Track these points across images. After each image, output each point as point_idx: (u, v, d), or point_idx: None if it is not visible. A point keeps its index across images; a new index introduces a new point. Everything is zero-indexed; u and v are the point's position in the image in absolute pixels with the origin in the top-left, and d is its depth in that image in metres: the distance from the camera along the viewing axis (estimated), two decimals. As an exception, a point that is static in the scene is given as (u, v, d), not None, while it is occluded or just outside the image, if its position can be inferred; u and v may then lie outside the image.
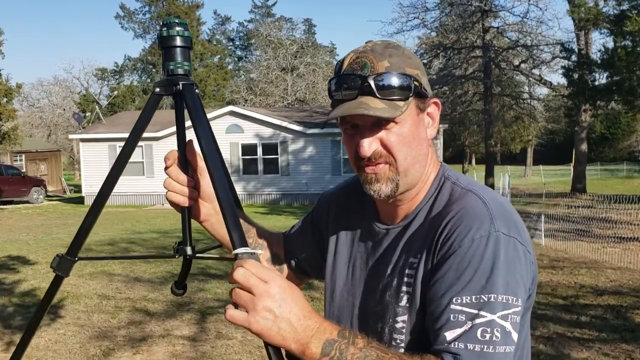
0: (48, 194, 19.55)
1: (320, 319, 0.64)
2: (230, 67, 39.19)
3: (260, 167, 16.32)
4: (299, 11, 69.94)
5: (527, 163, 29.80)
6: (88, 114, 24.41)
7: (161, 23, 0.81)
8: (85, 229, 0.89)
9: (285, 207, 15.27)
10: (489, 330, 0.62)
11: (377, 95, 0.67)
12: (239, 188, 16.51)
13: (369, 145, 0.69)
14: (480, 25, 13.08)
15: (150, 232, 9.63)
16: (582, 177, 17.34)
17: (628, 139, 35.69)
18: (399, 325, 0.70)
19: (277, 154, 16.18)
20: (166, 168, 0.82)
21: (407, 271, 0.71)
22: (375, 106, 0.67)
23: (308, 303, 0.64)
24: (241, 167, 16.38)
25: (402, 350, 0.70)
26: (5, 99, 17.46)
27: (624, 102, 11.94)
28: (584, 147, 17.36)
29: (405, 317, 0.70)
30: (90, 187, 17.03)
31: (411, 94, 0.68)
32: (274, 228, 1.08)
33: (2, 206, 16.32)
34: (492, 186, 13.08)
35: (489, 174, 13.00)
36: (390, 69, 0.68)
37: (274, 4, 40.67)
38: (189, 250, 0.81)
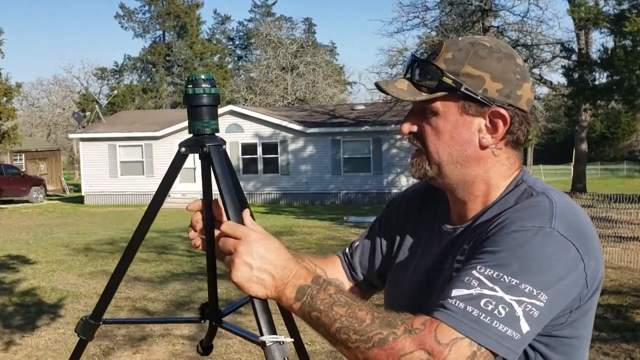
0: (48, 193, 19.55)
1: (297, 266, 0.67)
2: (230, 66, 39.18)
3: (260, 166, 16.31)
4: (299, 10, 70.06)
5: (527, 163, 29.84)
6: (88, 113, 24.42)
7: (187, 79, 0.79)
8: (110, 291, 0.88)
9: (285, 206, 15.27)
10: (493, 304, 0.61)
11: (414, 79, 0.72)
12: (238, 187, 16.50)
13: (407, 127, 0.75)
14: (481, 25, 13.07)
15: (150, 231, 9.58)
16: (582, 176, 17.34)
17: (628, 139, 35.70)
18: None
19: (277, 154, 16.17)
20: (188, 208, 0.85)
21: (455, 266, 0.71)
22: (400, 87, 0.72)
23: (285, 251, 0.67)
24: (241, 166, 16.38)
25: None
26: (5, 99, 17.45)
27: (624, 102, 11.94)
28: (584, 146, 17.35)
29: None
30: (90, 186, 17.03)
31: (438, 89, 0.70)
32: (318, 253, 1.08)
33: (2, 205, 16.32)
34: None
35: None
36: (448, 61, 0.70)
37: (273, 3, 40.67)
38: (214, 314, 0.82)
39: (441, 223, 0.79)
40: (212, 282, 0.82)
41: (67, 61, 76.47)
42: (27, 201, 17.53)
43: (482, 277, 0.63)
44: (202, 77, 0.77)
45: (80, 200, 17.64)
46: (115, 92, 33.46)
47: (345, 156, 15.78)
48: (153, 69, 35.67)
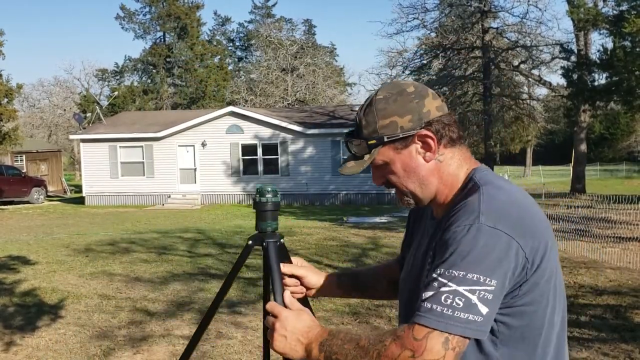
0: (49, 194, 19.56)
1: (317, 328, 0.87)
2: (230, 67, 39.18)
3: (260, 167, 16.32)
4: (299, 12, 69.99)
5: (527, 163, 29.81)
6: (88, 114, 24.42)
7: (256, 189, 1.05)
8: (192, 345, 1.15)
9: (285, 207, 15.27)
10: (451, 297, 0.76)
11: (356, 155, 0.92)
12: (238, 189, 16.53)
13: (377, 182, 0.95)
14: (480, 26, 13.08)
15: (151, 232, 9.63)
16: (581, 177, 17.34)
17: (627, 139, 35.70)
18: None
19: (277, 154, 16.19)
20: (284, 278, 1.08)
21: (429, 256, 0.89)
22: (349, 165, 0.93)
23: (309, 319, 0.89)
24: (241, 167, 16.39)
25: None
26: (5, 100, 17.46)
27: (623, 103, 11.95)
28: (583, 147, 17.36)
29: None
30: (91, 187, 17.04)
31: (368, 151, 0.90)
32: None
33: (2, 206, 16.33)
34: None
35: (489, 174, 12.96)
36: (366, 127, 0.89)
37: (274, 5, 40.69)
38: None
39: (430, 219, 0.97)
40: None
41: (68, 62, 76.65)
42: (27, 202, 17.54)
43: (439, 277, 0.79)
44: (268, 188, 1.03)
45: (81, 201, 17.65)
46: (116, 93, 33.46)
47: (345, 157, 15.70)
48: (153, 70, 35.68)
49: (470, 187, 0.87)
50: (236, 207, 15.19)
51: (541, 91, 20.45)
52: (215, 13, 54.35)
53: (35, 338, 3.77)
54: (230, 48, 41.35)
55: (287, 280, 1.06)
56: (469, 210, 0.81)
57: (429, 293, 0.78)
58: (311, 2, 65.14)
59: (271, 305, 0.91)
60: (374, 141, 0.88)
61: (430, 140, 0.88)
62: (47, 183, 19.71)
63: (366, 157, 0.90)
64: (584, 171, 17.59)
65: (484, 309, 0.76)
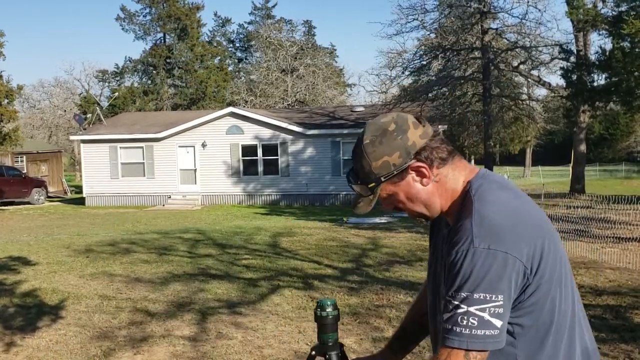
0: (49, 194, 19.55)
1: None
2: (230, 68, 39.19)
3: (261, 168, 16.33)
4: (299, 13, 69.99)
5: (526, 164, 29.81)
6: (89, 115, 24.43)
7: (317, 303, 1.17)
8: None
9: (285, 207, 15.28)
10: (466, 317, 0.88)
11: (363, 195, 1.01)
12: (239, 189, 16.54)
13: (387, 207, 1.05)
14: (479, 27, 13.08)
15: (151, 232, 9.64)
16: (580, 177, 17.35)
17: (627, 140, 35.71)
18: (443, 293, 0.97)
19: (277, 155, 16.20)
20: None
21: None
22: (359, 205, 1.02)
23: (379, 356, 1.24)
24: (241, 168, 16.40)
25: None
26: (6, 100, 17.47)
27: (622, 103, 11.95)
28: (583, 147, 17.37)
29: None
30: (91, 188, 17.05)
31: (371, 191, 1.00)
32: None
33: (3, 207, 16.34)
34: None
35: (489, 174, 12.98)
36: (363, 174, 0.99)
37: (274, 6, 40.70)
38: None
39: (446, 227, 1.05)
40: None
41: (68, 63, 76.72)
42: (28, 203, 17.54)
43: (452, 300, 0.89)
44: (328, 302, 1.15)
45: (81, 201, 17.65)
46: (116, 94, 33.47)
47: (345, 157, 15.81)
48: (154, 71, 35.68)
49: (466, 202, 0.96)
50: (236, 208, 15.19)
51: (541, 92, 20.48)
52: (215, 14, 54.33)
53: (35, 339, 3.78)
54: (230, 49, 41.37)
55: None
56: (463, 235, 0.91)
57: (447, 315, 0.90)
58: (311, 3, 65.20)
59: None
60: (373, 184, 0.99)
61: (422, 169, 0.97)
62: (47, 184, 19.71)
63: (371, 196, 1.01)
64: (583, 171, 17.59)
65: (498, 323, 0.87)
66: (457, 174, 0.99)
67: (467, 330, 0.87)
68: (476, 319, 0.87)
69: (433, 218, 1.03)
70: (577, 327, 0.99)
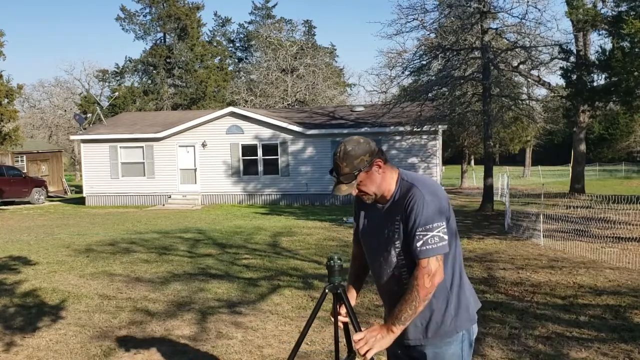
0: (49, 194, 19.56)
1: (389, 321, 1.59)
2: (230, 68, 39.18)
3: (261, 167, 16.33)
4: (299, 13, 69.94)
5: (526, 164, 29.79)
6: (89, 115, 24.43)
7: (327, 259, 1.81)
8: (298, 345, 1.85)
9: (285, 207, 15.29)
10: (431, 238, 1.55)
11: (344, 182, 1.63)
12: (239, 189, 16.54)
13: (357, 188, 1.67)
14: (479, 27, 13.07)
15: (151, 232, 9.64)
16: (580, 177, 17.35)
17: (626, 140, 35.70)
18: (397, 245, 1.62)
19: (277, 155, 16.20)
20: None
21: (395, 223, 1.63)
22: (343, 189, 1.64)
23: (381, 325, 1.61)
24: (241, 167, 16.40)
25: (402, 257, 1.62)
26: (6, 100, 17.47)
27: (622, 103, 11.95)
28: (583, 147, 17.37)
29: (399, 242, 1.62)
30: (91, 187, 17.05)
31: (355, 178, 1.62)
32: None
33: (3, 207, 16.34)
34: (490, 186, 13.09)
35: (488, 174, 13.01)
36: (346, 169, 1.61)
37: (274, 6, 40.71)
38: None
39: (374, 204, 1.70)
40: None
41: (69, 63, 76.54)
42: (28, 202, 17.55)
43: (420, 233, 1.55)
44: (335, 257, 1.81)
45: (81, 201, 17.66)
46: (116, 94, 33.46)
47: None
48: (154, 71, 35.67)
49: (404, 182, 1.64)
50: (236, 208, 15.19)
51: (540, 92, 20.46)
52: (215, 14, 54.35)
53: (35, 338, 3.78)
54: (230, 49, 41.36)
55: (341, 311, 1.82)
56: (416, 194, 1.58)
57: (419, 242, 1.54)
58: (311, 2, 65.19)
59: (359, 335, 1.57)
60: (357, 172, 1.61)
61: (380, 163, 1.64)
62: (47, 183, 19.71)
63: (353, 182, 1.62)
64: (583, 171, 17.59)
65: (445, 237, 1.56)
66: (392, 171, 1.68)
67: (434, 245, 1.53)
68: (436, 237, 1.54)
69: (375, 199, 1.66)
70: (464, 273, 1.71)
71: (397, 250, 1.61)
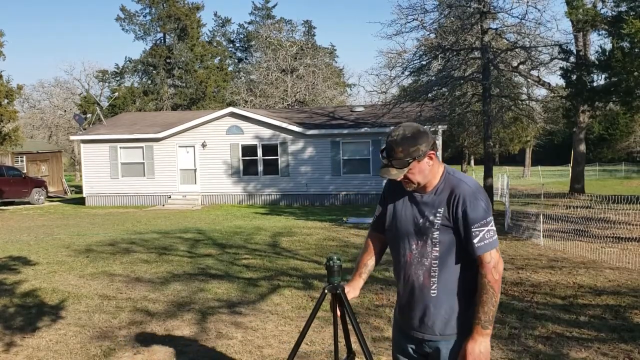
0: (49, 194, 19.56)
1: (474, 329, 1.65)
2: (230, 68, 39.19)
3: (261, 168, 16.33)
4: (299, 13, 69.97)
5: (526, 164, 29.80)
6: (89, 115, 24.42)
7: (327, 259, 1.83)
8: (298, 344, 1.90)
9: (285, 207, 15.29)
10: (489, 233, 1.63)
11: (395, 167, 1.65)
12: (239, 189, 16.54)
13: (400, 177, 1.69)
14: (479, 27, 13.06)
15: (151, 232, 9.64)
16: (580, 177, 17.35)
17: (626, 140, 35.70)
18: (434, 236, 1.66)
19: (277, 155, 16.20)
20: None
21: (437, 215, 1.66)
22: (392, 173, 1.65)
23: (470, 338, 1.67)
24: (241, 168, 16.40)
25: (437, 248, 1.66)
26: (6, 101, 17.47)
27: (622, 103, 11.95)
28: (583, 147, 17.37)
29: (437, 234, 1.66)
30: (91, 187, 17.05)
31: (408, 165, 1.63)
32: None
33: (3, 207, 16.34)
34: (490, 187, 13.10)
35: (488, 174, 13.00)
36: (400, 154, 1.63)
37: (274, 6, 40.72)
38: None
39: (412, 193, 1.73)
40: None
41: (68, 63, 76.55)
42: (28, 203, 17.55)
43: (477, 228, 1.62)
44: (334, 257, 1.83)
45: (81, 201, 17.66)
46: (116, 94, 33.46)
47: (345, 157, 15.82)
48: (154, 71, 35.67)
49: (452, 177, 1.69)
50: (236, 208, 15.19)
51: (540, 92, 20.46)
52: (215, 14, 54.32)
53: (35, 338, 3.78)
54: (230, 49, 41.36)
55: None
56: (467, 191, 1.64)
57: (477, 239, 1.61)
58: (311, 3, 65.20)
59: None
60: (411, 160, 1.63)
61: (433, 155, 1.66)
62: (47, 184, 19.71)
63: (405, 168, 1.63)
64: (583, 171, 17.59)
65: (495, 229, 1.65)
66: (439, 165, 1.72)
67: (490, 239, 1.62)
68: (491, 232, 1.63)
69: (419, 187, 1.68)
70: None
71: (434, 240, 1.63)
